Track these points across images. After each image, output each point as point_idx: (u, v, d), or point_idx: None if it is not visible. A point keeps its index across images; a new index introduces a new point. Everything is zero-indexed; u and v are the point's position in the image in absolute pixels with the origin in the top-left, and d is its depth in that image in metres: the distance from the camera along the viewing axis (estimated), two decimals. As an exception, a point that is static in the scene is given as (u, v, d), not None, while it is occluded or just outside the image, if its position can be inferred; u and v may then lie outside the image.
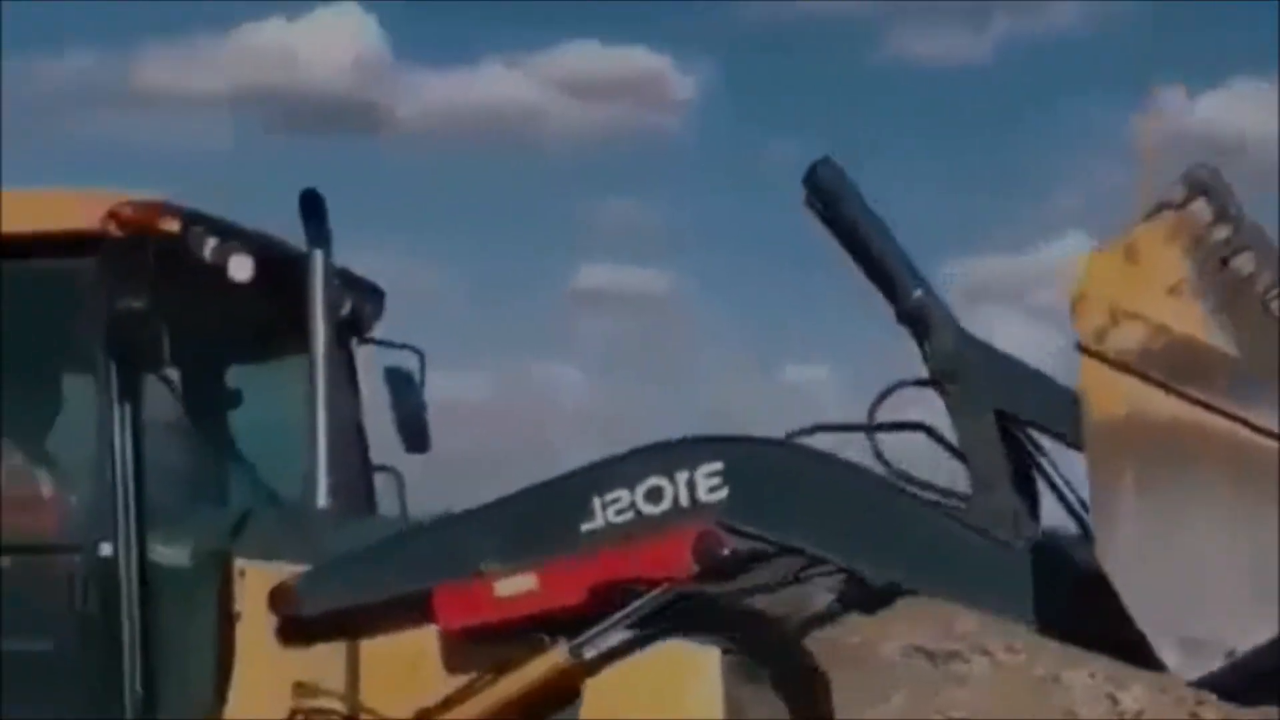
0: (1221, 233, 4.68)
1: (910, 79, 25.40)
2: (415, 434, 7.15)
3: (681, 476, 5.26)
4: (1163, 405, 4.65)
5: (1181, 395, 4.63)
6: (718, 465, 5.25)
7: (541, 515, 5.47)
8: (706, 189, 26.23)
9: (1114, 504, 4.68)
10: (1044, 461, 5.51)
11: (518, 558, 5.37)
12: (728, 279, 26.32)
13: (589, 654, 5.29)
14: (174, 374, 6.28)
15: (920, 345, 5.50)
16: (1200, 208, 4.69)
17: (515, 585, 5.33)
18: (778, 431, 5.40)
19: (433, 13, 24.30)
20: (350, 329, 6.82)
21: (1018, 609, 5.10)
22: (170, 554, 5.80)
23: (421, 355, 7.07)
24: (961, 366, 5.41)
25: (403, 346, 7.09)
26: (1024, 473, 5.48)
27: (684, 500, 5.26)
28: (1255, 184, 4.94)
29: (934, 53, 27.63)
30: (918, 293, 5.49)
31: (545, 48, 27.34)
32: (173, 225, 5.87)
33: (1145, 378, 4.67)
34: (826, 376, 24.58)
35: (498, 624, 5.37)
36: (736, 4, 28.47)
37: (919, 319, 5.49)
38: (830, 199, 5.59)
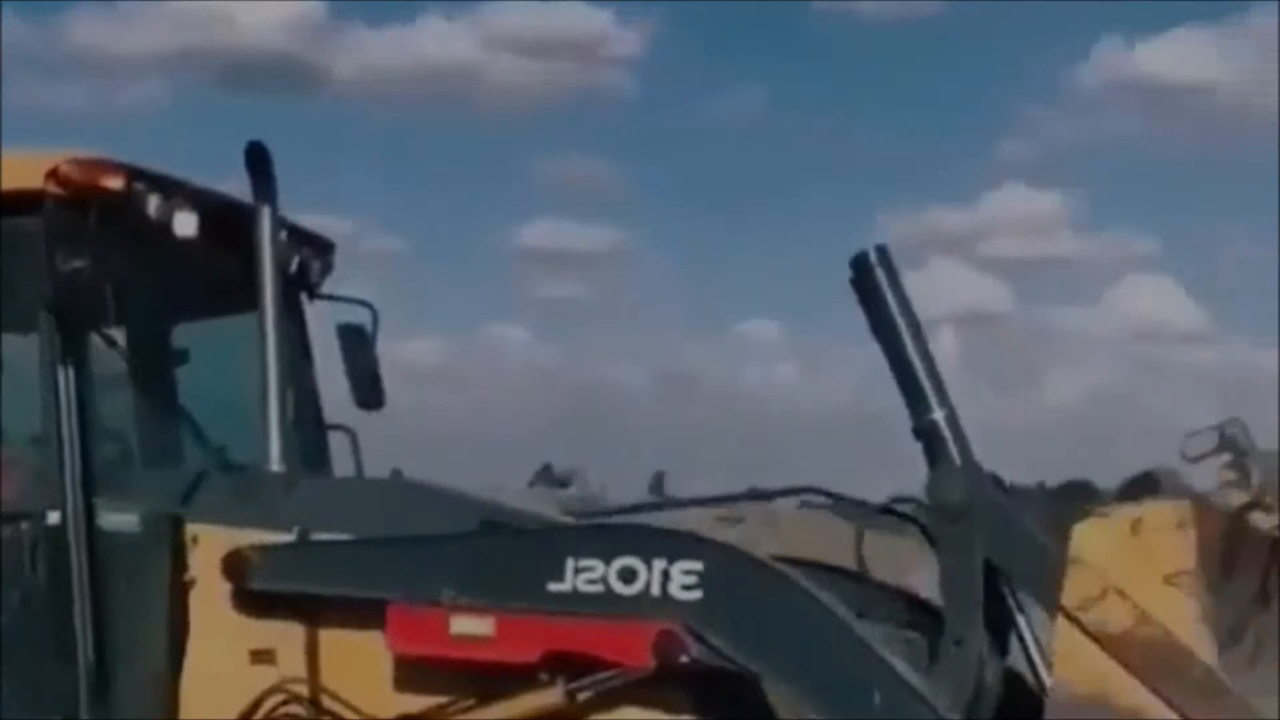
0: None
1: (853, 28, 25.34)
2: (368, 390, 7.01)
3: (658, 564, 5.14)
4: (1130, 694, 4.48)
5: (1153, 690, 4.46)
6: (697, 565, 5.11)
7: (512, 560, 5.38)
8: (652, 143, 26.10)
9: None
10: (1021, 620, 5.42)
11: (479, 596, 5.29)
12: (676, 234, 26.31)
13: (583, 698, 5.19)
14: (121, 334, 6.12)
15: (930, 465, 5.37)
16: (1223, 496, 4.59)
17: (471, 625, 5.24)
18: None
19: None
20: (299, 284, 6.69)
21: None
22: (120, 520, 5.68)
23: (374, 310, 6.92)
24: (962, 514, 5.26)
25: (355, 301, 6.94)
26: (998, 622, 5.37)
27: (655, 589, 5.13)
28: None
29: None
30: (938, 414, 5.38)
31: (483, 3, 27.03)
32: (116, 182, 5.74)
33: (1118, 661, 4.49)
34: (776, 332, 24.69)
35: (446, 660, 5.29)
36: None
37: (932, 443, 5.37)
38: (873, 291, 5.46)
